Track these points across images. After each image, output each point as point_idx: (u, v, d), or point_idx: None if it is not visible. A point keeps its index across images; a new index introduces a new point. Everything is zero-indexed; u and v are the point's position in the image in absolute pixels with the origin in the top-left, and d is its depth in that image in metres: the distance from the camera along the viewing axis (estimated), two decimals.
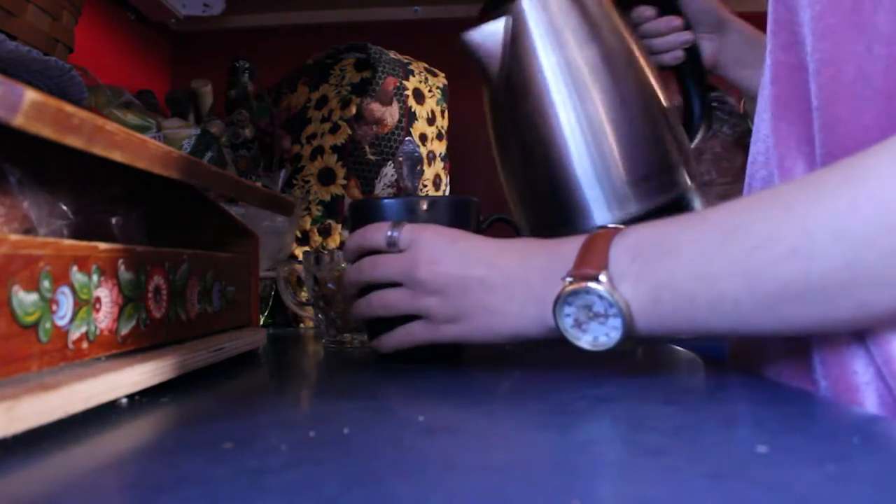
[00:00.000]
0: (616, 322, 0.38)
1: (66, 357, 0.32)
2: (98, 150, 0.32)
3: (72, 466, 0.26)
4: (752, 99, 0.70)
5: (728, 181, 0.99)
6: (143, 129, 0.78)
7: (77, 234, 0.39)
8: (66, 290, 0.32)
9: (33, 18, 0.58)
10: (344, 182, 0.91)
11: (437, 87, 1.02)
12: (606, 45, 0.62)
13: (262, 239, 0.64)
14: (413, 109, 0.95)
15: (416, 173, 0.77)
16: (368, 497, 0.22)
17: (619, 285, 0.37)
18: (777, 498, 0.21)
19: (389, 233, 0.47)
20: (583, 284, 0.38)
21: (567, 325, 0.39)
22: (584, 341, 0.39)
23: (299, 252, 0.89)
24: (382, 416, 0.35)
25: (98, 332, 0.35)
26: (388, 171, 0.92)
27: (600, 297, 0.38)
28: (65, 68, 0.54)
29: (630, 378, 0.44)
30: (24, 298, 0.29)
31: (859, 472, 0.24)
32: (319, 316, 0.64)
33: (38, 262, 0.30)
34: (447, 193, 1.03)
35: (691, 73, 0.69)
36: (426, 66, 1.02)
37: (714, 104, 0.99)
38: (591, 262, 0.38)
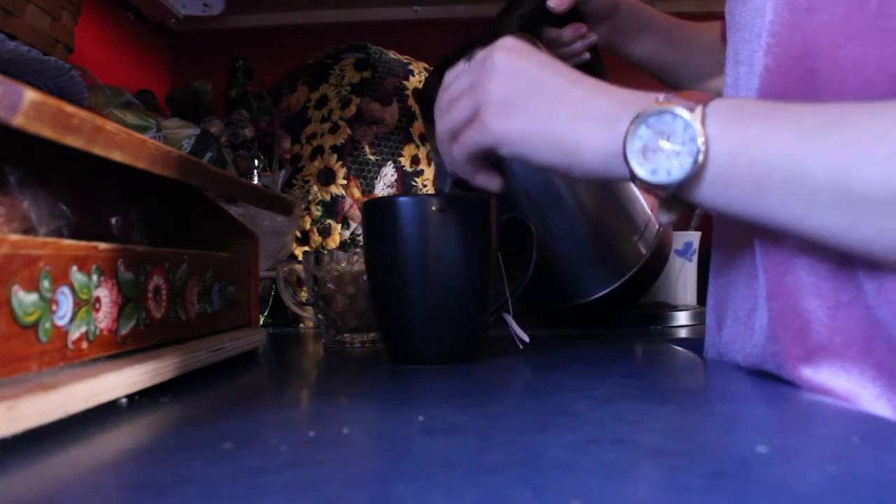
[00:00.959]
0: (686, 161, 0.36)
1: (65, 357, 0.32)
2: (98, 150, 0.32)
3: (72, 466, 0.26)
4: (644, 71, 0.73)
5: None
6: (142, 129, 0.78)
7: (77, 234, 0.39)
8: (65, 290, 0.32)
9: (33, 18, 0.58)
10: (344, 182, 0.91)
11: None
12: None
13: (262, 239, 0.65)
14: (413, 109, 0.95)
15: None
16: (368, 497, 0.22)
17: (708, 126, 0.36)
18: (777, 498, 0.21)
19: (464, 64, 0.45)
20: (672, 106, 0.36)
21: (634, 147, 0.37)
22: (644, 170, 0.37)
23: (299, 252, 0.89)
24: (382, 416, 0.35)
25: (98, 332, 0.35)
26: (388, 171, 0.92)
27: (685, 126, 0.36)
28: (64, 68, 0.54)
29: (630, 378, 0.44)
30: (24, 298, 0.29)
31: (859, 472, 0.24)
32: (319, 316, 0.64)
33: (37, 262, 0.30)
34: None
35: (598, 65, 0.72)
36: (426, 66, 1.02)
37: None
38: (687, 97, 0.37)
